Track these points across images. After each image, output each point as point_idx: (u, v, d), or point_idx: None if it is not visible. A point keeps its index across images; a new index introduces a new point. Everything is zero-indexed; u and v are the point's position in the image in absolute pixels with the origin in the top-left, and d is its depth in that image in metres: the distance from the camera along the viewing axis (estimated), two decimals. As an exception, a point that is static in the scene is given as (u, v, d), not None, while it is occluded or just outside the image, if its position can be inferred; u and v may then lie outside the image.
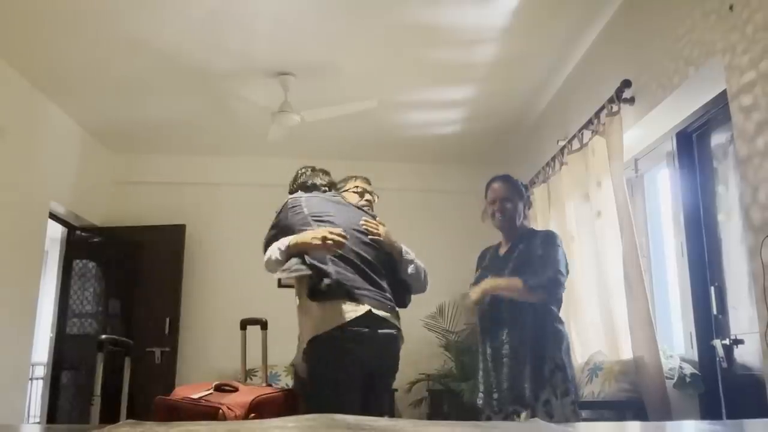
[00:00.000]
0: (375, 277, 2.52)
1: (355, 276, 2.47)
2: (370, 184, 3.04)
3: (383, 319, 2.44)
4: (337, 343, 2.35)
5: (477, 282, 2.77)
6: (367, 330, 2.38)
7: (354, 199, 2.93)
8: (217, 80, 4.49)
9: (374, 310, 2.42)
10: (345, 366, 2.34)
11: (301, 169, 2.97)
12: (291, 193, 2.85)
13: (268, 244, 2.62)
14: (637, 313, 3.06)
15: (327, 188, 2.87)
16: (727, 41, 2.47)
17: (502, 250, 2.80)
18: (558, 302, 2.64)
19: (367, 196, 2.97)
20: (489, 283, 2.63)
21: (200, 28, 3.80)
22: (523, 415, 2.49)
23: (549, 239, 2.70)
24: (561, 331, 2.61)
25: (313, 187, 2.83)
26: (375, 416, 1.06)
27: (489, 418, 2.63)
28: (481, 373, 2.70)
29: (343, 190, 2.97)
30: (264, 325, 3.43)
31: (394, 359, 2.55)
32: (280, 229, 2.65)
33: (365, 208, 2.89)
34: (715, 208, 3.03)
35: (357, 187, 2.99)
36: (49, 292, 5.56)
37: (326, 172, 2.97)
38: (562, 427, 1.00)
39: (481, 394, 2.67)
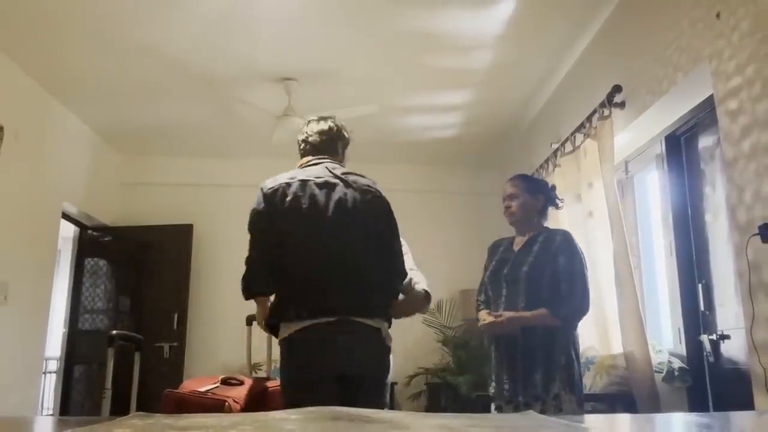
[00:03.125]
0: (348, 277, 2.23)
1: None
2: None
3: (349, 321, 2.13)
4: (294, 345, 2.13)
5: (491, 273, 2.70)
6: (328, 332, 2.10)
7: None
8: (223, 85, 4.49)
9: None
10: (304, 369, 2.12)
11: None
12: None
13: None
14: (627, 310, 3.06)
15: None
16: (714, 48, 2.47)
17: (517, 245, 2.72)
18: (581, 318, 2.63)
19: None
20: (512, 316, 2.51)
21: (207, 35, 3.80)
22: (535, 407, 2.45)
23: (569, 245, 2.61)
24: (575, 333, 2.59)
25: None
26: None
27: (500, 408, 2.60)
28: (493, 363, 2.63)
29: None
30: (268, 320, 3.42)
31: (361, 363, 2.13)
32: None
33: None
34: (703, 208, 3.03)
35: None
36: (62, 290, 5.56)
37: None
38: (555, 420, 1.00)
39: (493, 383, 2.62)
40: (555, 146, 4.13)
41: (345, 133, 2.51)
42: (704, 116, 2.93)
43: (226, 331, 5.28)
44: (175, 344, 5.38)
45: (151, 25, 3.69)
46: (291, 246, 2.19)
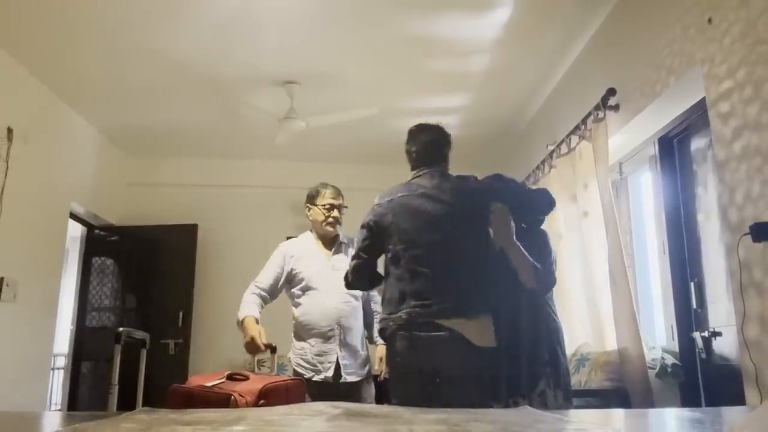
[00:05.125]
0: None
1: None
2: (339, 194, 3.06)
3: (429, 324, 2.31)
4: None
5: None
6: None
7: (321, 217, 3.00)
8: (227, 88, 4.49)
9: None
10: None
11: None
12: None
13: None
14: (621, 307, 3.06)
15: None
16: (706, 52, 2.48)
17: None
18: (549, 289, 2.55)
19: (334, 213, 3.00)
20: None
21: (212, 38, 3.80)
22: (523, 405, 2.44)
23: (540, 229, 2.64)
24: (557, 323, 2.58)
25: None
26: None
27: (490, 406, 2.59)
28: None
29: (315, 204, 3.03)
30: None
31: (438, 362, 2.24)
32: None
33: (328, 228, 3.00)
34: (695, 208, 3.03)
35: (325, 205, 3.02)
36: (70, 288, 5.56)
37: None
38: (551, 415, 1.00)
39: None
40: (551, 148, 4.13)
41: (449, 138, 2.57)
42: (696, 119, 2.93)
43: (231, 328, 5.22)
44: (180, 341, 5.37)
45: (157, 29, 3.69)
46: (389, 259, 2.39)
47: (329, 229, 3.01)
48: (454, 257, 2.31)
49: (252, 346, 2.68)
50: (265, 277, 2.98)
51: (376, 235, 2.43)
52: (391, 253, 2.39)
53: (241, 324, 2.79)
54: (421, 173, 2.50)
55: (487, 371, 2.32)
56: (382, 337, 2.46)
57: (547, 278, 2.44)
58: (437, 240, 2.32)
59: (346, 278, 2.52)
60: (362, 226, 2.49)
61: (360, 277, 2.49)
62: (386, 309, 2.38)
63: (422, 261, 2.31)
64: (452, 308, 2.24)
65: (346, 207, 3.06)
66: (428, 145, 2.54)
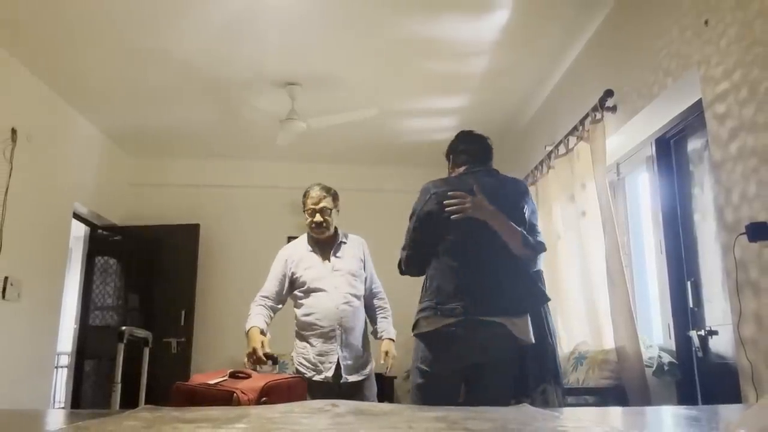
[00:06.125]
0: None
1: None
2: (327, 192, 2.98)
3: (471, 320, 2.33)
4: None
5: None
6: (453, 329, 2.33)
7: (306, 222, 2.97)
8: (229, 89, 4.49)
9: None
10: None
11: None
12: None
13: None
14: (618, 306, 3.06)
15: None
16: (703, 54, 2.48)
17: None
18: (539, 253, 2.51)
19: (316, 218, 2.93)
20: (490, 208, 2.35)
21: (215, 40, 3.80)
22: (526, 404, 2.44)
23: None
24: (553, 324, 2.60)
25: None
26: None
27: (520, 400, 2.60)
28: None
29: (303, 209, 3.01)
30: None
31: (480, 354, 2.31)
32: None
33: (313, 233, 2.97)
34: (691, 208, 3.03)
35: (307, 210, 2.97)
36: (73, 287, 5.56)
37: None
38: (549, 413, 1.00)
39: None
40: (549, 149, 4.13)
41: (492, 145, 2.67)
42: (693, 120, 2.93)
43: (233, 327, 5.26)
44: (183, 340, 5.38)
45: (160, 31, 3.69)
46: (443, 250, 2.37)
47: (314, 234, 3.00)
48: (506, 254, 2.35)
49: (253, 358, 2.66)
50: (270, 286, 2.97)
51: (428, 224, 2.41)
52: (448, 243, 2.37)
53: (246, 335, 2.79)
54: (474, 169, 2.52)
55: (521, 366, 2.38)
56: (419, 326, 2.35)
57: (536, 243, 2.42)
58: (493, 235, 2.34)
59: (399, 267, 2.54)
60: (413, 214, 2.48)
61: (413, 267, 2.49)
62: (434, 297, 2.32)
63: (480, 255, 2.34)
64: (503, 305, 2.29)
65: (331, 209, 2.97)
66: (481, 146, 2.62)
